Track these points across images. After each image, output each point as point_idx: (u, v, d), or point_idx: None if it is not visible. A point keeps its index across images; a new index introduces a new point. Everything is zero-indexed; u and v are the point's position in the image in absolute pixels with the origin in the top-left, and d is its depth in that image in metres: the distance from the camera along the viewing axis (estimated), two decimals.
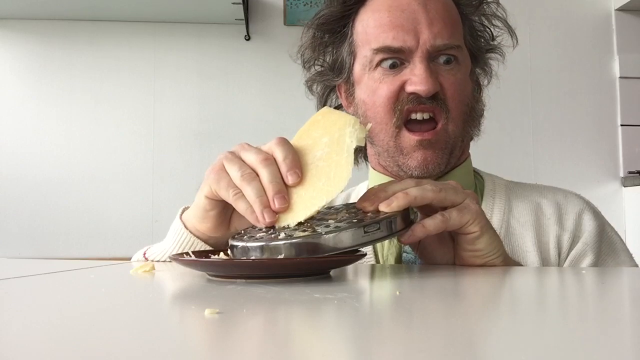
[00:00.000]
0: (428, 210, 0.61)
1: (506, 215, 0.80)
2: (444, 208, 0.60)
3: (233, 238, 0.56)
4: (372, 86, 0.78)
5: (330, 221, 0.54)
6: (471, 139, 0.87)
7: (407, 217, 0.58)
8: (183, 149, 2.19)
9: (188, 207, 0.69)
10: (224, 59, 2.21)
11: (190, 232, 0.67)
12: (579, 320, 0.35)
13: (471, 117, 0.81)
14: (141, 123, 2.19)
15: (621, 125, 2.32)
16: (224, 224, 0.65)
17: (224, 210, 0.63)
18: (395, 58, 0.76)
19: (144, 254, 0.75)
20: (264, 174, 0.56)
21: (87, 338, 0.30)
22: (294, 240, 0.51)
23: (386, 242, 0.80)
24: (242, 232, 0.58)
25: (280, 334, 0.31)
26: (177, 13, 2.12)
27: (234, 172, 0.58)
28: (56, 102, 2.16)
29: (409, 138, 0.76)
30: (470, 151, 0.88)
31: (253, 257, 0.52)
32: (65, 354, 0.26)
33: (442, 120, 0.76)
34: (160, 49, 2.20)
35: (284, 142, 0.58)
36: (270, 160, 0.57)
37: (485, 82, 0.89)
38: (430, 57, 0.76)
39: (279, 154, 0.57)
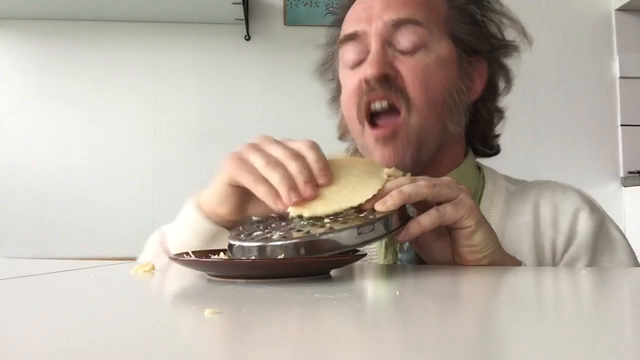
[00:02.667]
0: (424, 206, 0.60)
1: (503, 220, 0.78)
2: (440, 204, 0.60)
3: (231, 237, 0.56)
4: (344, 85, 0.78)
5: (325, 220, 0.54)
6: (465, 134, 0.81)
7: (403, 215, 0.58)
8: (183, 149, 2.19)
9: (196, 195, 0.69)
10: (224, 59, 2.21)
11: (208, 217, 0.66)
12: (578, 320, 0.35)
13: (449, 108, 0.75)
14: (141, 123, 2.18)
15: (621, 125, 2.32)
16: (243, 208, 0.65)
17: (242, 196, 0.64)
18: (355, 47, 0.75)
19: (160, 241, 0.72)
20: (293, 166, 0.56)
21: (87, 338, 0.30)
22: (289, 241, 0.51)
23: (383, 250, 0.78)
24: (240, 229, 0.58)
25: (280, 334, 0.31)
26: (177, 13, 2.12)
27: (258, 159, 0.58)
28: (56, 102, 2.16)
29: (369, 135, 0.74)
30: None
31: (253, 257, 0.52)
32: (65, 353, 0.26)
33: (402, 111, 0.72)
34: (160, 49, 2.20)
35: (317, 147, 0.59)
36: (300, 155, 0.58)
37: (501, 84, 0.83)
38: (388, 42, 0.73)
39: (310, 155, 0.58)
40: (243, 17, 2.11)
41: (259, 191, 0.57)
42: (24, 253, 2.08)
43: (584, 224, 0.76)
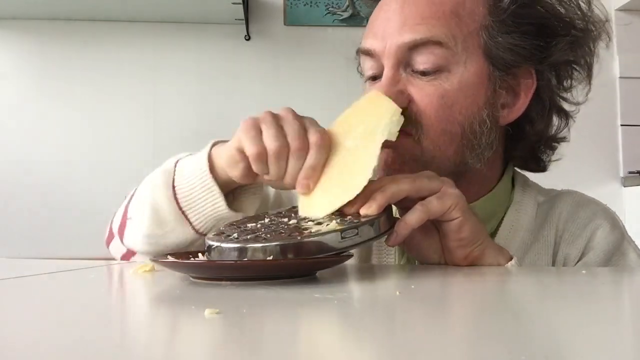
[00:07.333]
0: (408, 204, 0.58)
1: (530, 233, 0.74)
2: (424, 199, 0.58)
3: (210, 238, 0.55)
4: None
5: (309, 222, 0.54)
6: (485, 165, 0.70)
7: (391, 216, 0.57)
8: (183, 149, 2.18)
9: (219, 142, 0.70)
10: (224, 59, 2.21)
11: (218, 174, 0.66)
12: (578, 321, 0.35)
13: (469, 143, 0.68)
14: (141, 123, 2.18)
15: (621, 125, 2.31)
16: (253, 173, 0.63)
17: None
18: (370, 62, 0.71)
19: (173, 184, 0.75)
20: (294, 164, 0.59)
21: (87, 338, 0.30)
22: (272, 243, 0.50)
23: (398, 254, 0.76)
24: (222, 229, 0.58)
25: (280, 334, 0.31)
26: (177, 13, 2.12)
27: (269, 139, 0.59)
28: (56, 102, 2.16)
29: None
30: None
31: (230, 260, 0.52)
32: (65, 354, 0.26)
33: (414, 138, 0.66)
34: (160, 49, 2.20)
35: (324, 145, 0.59)
36: (306, 150, 0.59)
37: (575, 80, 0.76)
38: (403, 63, 0.67)
39: (311, 158, 0.59)
40: (243, 17, 2.11)
41: (256, 167, 0.60)
42: (24, 253, 2.08)
43: (601, 240, 0.73)
